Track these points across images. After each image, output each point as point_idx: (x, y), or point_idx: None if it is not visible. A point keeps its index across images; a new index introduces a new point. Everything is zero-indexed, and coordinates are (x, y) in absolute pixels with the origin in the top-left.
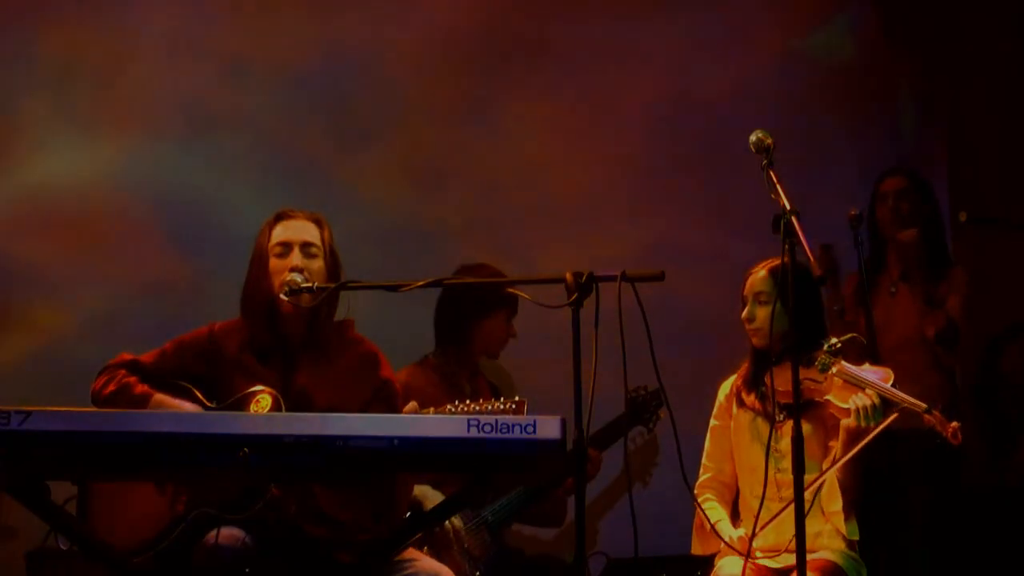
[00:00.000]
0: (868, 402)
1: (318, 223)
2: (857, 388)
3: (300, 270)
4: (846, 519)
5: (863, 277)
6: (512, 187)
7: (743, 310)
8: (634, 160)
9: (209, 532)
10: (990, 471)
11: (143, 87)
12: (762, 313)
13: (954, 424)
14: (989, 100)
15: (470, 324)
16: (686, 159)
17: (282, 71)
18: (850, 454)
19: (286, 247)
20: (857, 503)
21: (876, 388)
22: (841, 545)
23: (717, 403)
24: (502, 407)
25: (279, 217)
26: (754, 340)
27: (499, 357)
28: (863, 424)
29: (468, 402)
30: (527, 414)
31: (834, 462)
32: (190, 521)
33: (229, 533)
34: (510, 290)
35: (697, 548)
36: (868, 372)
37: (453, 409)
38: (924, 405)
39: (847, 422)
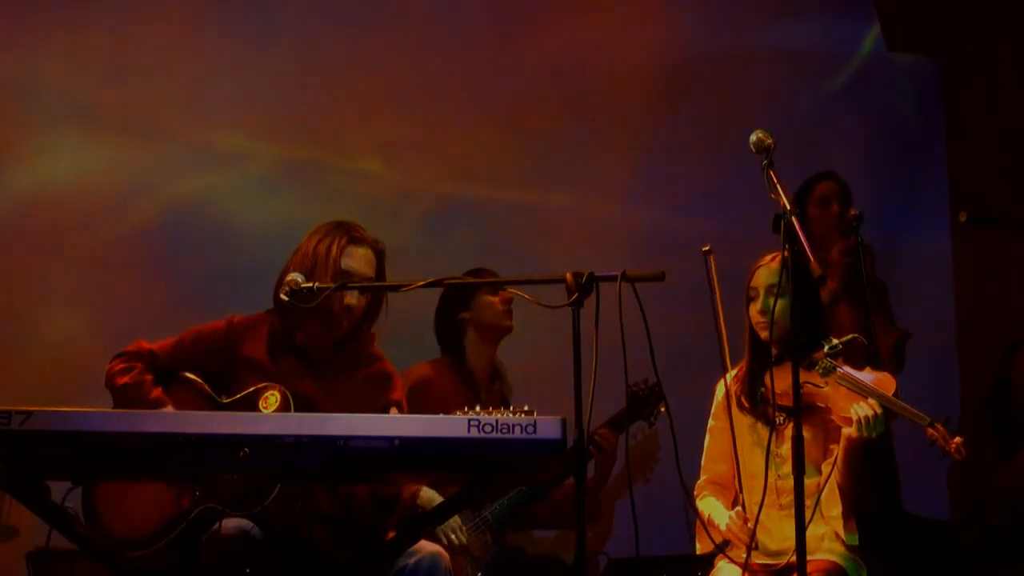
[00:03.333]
0: (870, 412)
1: (380, 256)
2: (859, 396)
3: (350, 307)
4: (845, 524)
5: (863, 276)
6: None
7: (748, 305)
8: (634, 158)
9: (215, 524)
10: (994, 473)
11: (144, 87)
12: (778, 304)
13: (957, 439)
14: (989, 100)
15: (459, 320)
16: (685, 159)
17: (283, 71)
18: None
19: (349, 278)
20: (856, 509)
21: (879, 398)
22: (842, 548)
23: (715, 402)
24: (512, 417)
25: (352, 238)
26: (764, 334)
27: (512, 330)
28: (864, 434)
29: (478, 408)
30: None
31: (833, 468)
32: (195, 516)
33: (236, 524)
34: (511, 290)
35: (700, 547)
36: (868, 376)
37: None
38: (928, 418)
39: (848, 431)
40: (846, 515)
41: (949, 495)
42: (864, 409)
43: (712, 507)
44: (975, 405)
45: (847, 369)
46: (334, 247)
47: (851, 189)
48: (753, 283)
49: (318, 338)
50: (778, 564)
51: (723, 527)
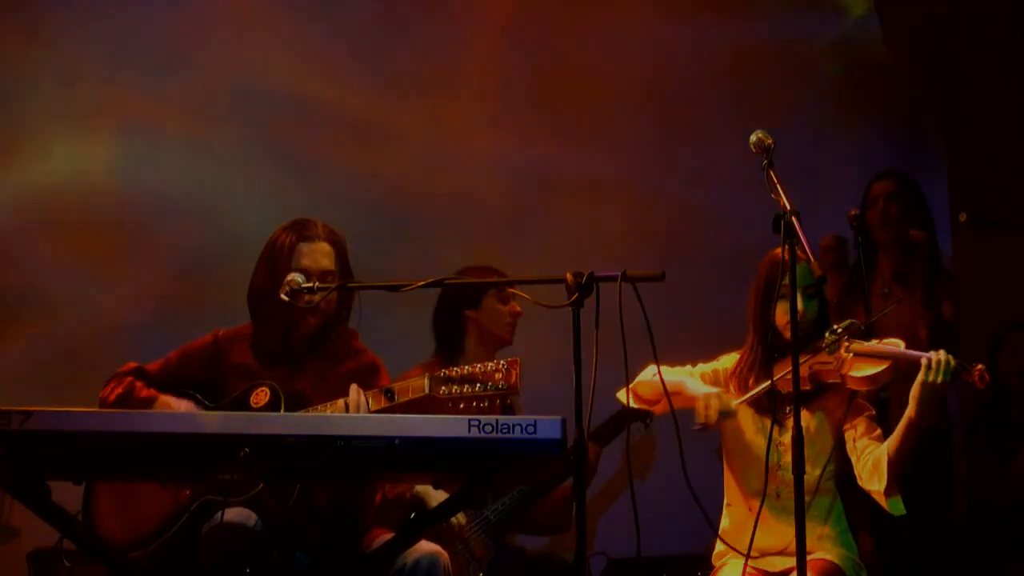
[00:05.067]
0: (942, 357)
1: (335, 243)
2: (872, 360)
3: (313, 304)
4: (890, 496)
5: (863, 275)
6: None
7: (774, 303)
8: (635, 161)
9: (215, 514)
10: (991, 476)
11: (144, 87)
12: (811, 307)
13: (979, 366)
14: (989, 100)
15: (465, 317)
16: (685, 161)
17: (282, 71)
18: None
19: (305, 275)
20: (901, 478)
21: (894, 353)
22: (841, 549)
23: (716, 365)
24: (494, 367)
25: (301, 237)
26: (788, 334)
27: (510, 344)
28: (935, 379)
29: (462, 366)
30: (519, 378)
31: (904, 435)
32: (195, 510)
33: (237, 511)
34: (511, 290)
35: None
36: (876, 343)
37: (447, 372)
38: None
39: (919, 383)
40: (892, 486)
41: (954, 495)
42: (939, 353)
43: (689, 375)
44: (971, 406)
45: (855, 340)
46: (285, 249)
47: (915, 184)
48: (785, 281)
49: (290, 337)
50: (776, 568)
51: (700, 392)
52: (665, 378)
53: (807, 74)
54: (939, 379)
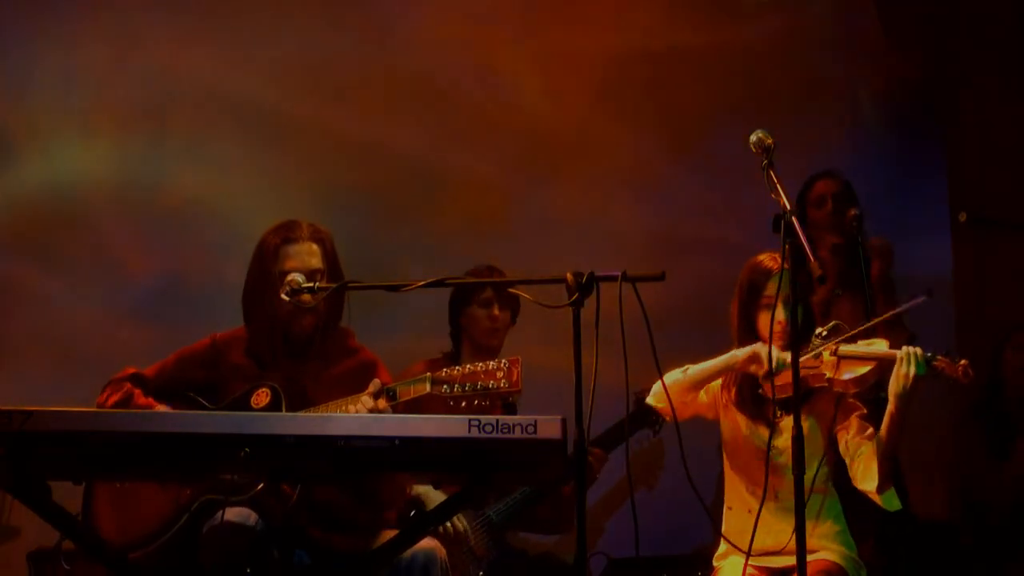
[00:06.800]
0: (914, 349)
1: (320, 242)
2: (859, 361)
3: (305, 303)
4: (883, 491)
5: (863, 276)
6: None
7: (758, 311)
8: (632, 161)
9: (215, 514)
10: (989, 474)
11: (143, 88)
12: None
13: (963, 361)
14: (989, 100)
15: (455, 320)
16: (686, 160)
17: (282, 72)
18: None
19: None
20: (892, 473)
21: (876, 354)
22: (842, 548)
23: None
24: (495, 366)
25: (285, 239)
26: (777, 343)
27: (498, 350)
28: (908, 370)
29: (465, 364)
30: (520, 377)
31: (887, 430)
32: (195, 510)
33: (237, 511)
34: (511, 290)
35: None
36: (862, 344)
37: (449, 372)
38: (928, 354)
39: (894, 376)
40: (885, 482)
41: (948, 495)
42: (908, 347)
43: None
44: (969, 405)
45: (838, 344)
46: (270, 251)
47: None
48: (768, 292)
49: (285, 338)
50: (777, 566)
51: (742, 354)
52: (683, 376)
53: (807, 73)
54: (911, 371)
